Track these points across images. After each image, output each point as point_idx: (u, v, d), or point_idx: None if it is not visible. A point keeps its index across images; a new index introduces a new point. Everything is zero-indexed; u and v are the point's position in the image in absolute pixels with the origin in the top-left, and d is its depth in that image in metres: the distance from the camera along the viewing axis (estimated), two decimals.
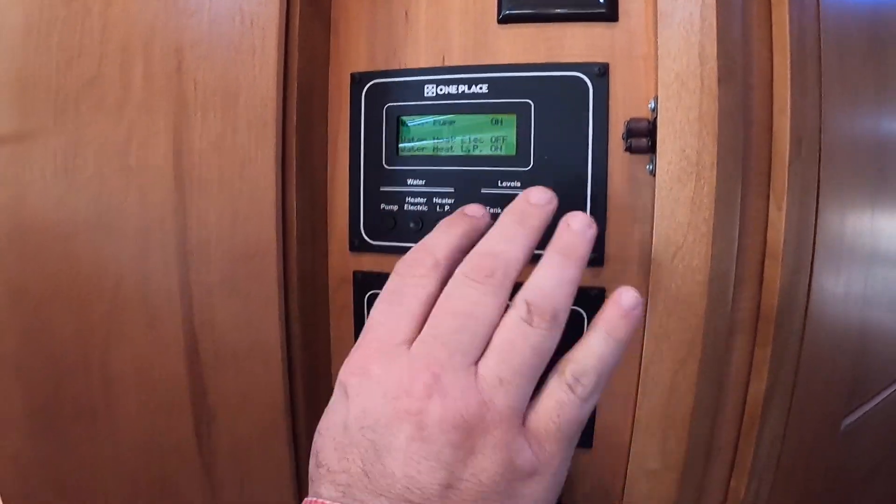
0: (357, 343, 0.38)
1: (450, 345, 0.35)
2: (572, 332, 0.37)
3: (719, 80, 0.41)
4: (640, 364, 0.45)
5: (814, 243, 0.49)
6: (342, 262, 0.52)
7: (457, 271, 0.37)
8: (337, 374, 0.37)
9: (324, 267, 0.52)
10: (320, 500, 0.34)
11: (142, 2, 0.47)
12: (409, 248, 0.40)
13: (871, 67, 0.61)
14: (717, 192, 0.42)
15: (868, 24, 0.60)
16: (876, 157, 0.62)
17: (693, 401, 0.44)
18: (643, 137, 0.43)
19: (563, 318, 0.36)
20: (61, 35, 0.49)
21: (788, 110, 0.45)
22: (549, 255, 0.37)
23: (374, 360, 0.36)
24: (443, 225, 0.40)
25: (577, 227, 0.38)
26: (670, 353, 0.44)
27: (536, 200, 0.39)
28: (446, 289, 0.37)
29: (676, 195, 0.42)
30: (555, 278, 0.36)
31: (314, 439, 0.37)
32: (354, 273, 0.52)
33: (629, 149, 0.43)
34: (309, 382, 0.51)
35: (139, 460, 0.53)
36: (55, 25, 0.49)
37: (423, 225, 0.50)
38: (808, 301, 0.50)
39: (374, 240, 0.51)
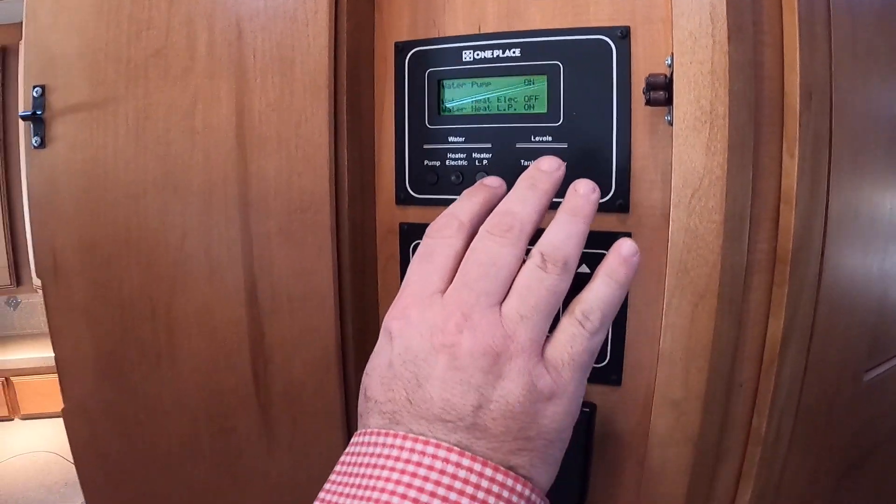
0: (397, 295, 0.44)
1: (476, 289, 0.41)
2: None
3: (729, 37, 0.46)
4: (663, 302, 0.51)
5: (828, 191, 0.55)
6: (389, 215, 0.58)
7: (480, 229, 0.43)
8: (383, 317, 0.44)
9: (372, 219, 0.59)
10: (370, 430, 0.40)
11: None
12: (452, 200, 0.47)
13: (884, 39, 0.66)
14: (730, 139, 0.47)
15: None
16: (890, 121, 0.67)
17: (713, 333, 0.50)
18: (661, 90, 0.49)
19: (573, 265, 0.42)
20: (131, 10, 0.56)
21: (798, 66, 0.51)
22: (560, 215, 0.44)
23: (412, 306, 0.42)
24: (465, 194, 0.47)
25: (583, 190, 0.44)
26: (690, 287, 0.49)
27: (546, 168, 0.45)
28: (472, 244, 0.43)
29: (693, 142, 0.48)
30: (564, 232, 0.43)
31: (362, 380, 0.43)
32: (400, 224, 0.58)
33: (649, 101, 0.49)
34: (359, 326, 0.58)
35: (199, 401, 0.59)
36: (125, 1, 0.56)
37: (462, 179, 0.56)
38: (823, 246, 0.55)
39: (418, 193, 0.57)
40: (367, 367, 0.43)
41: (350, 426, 0.58)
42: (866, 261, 0.65)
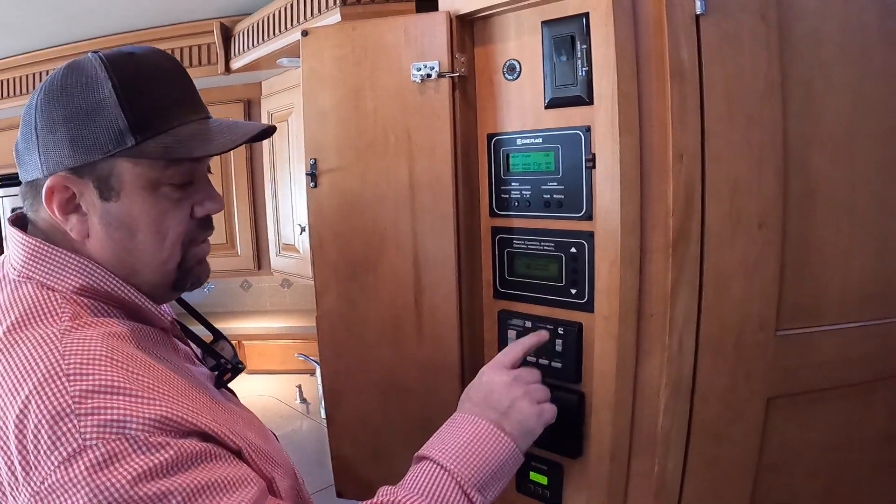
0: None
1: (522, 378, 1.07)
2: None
3: (620, 132, 1.03)
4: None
5: (702, 209, 1.06)
6: (486, 222, 1.24)
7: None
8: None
9: (478, 224, 1.24)
10: (466, 414, 1.04)
11: (391, 106, 1.24)
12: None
13: (765, 107, 1.13)
14: (623, 183, 1.04)
15: None
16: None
17: (619, 281, 1.05)
18: (591, 161, 1.07)
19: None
20: (356, 123, 1.28)
21: (671, 140, 1.05)
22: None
23: (495, 367, 1.08)
24: (530, 335, 1.13)
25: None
26: (607, 257, 1.06)
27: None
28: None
29: (604, 186, 1.05)
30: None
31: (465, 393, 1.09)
32: (492, 227, 1.23)
33: (588, 167, 1.08)
34: (469, 278, 1.23)
35: (388, 311, 1.30)
36: (352, 118, 1.29)
37: (518, 204, 1.19)
38: (702, 236, 1.06)
39: (500, 211, 1.22)
40: (467, 388, 1.08)
41: (462, 339, 1.24)
42: (762, 253, 1.12)
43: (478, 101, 1.23)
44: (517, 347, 1.09)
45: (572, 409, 1.17)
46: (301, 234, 2.08)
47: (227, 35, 2.03)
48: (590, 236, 1.10)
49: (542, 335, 1.13)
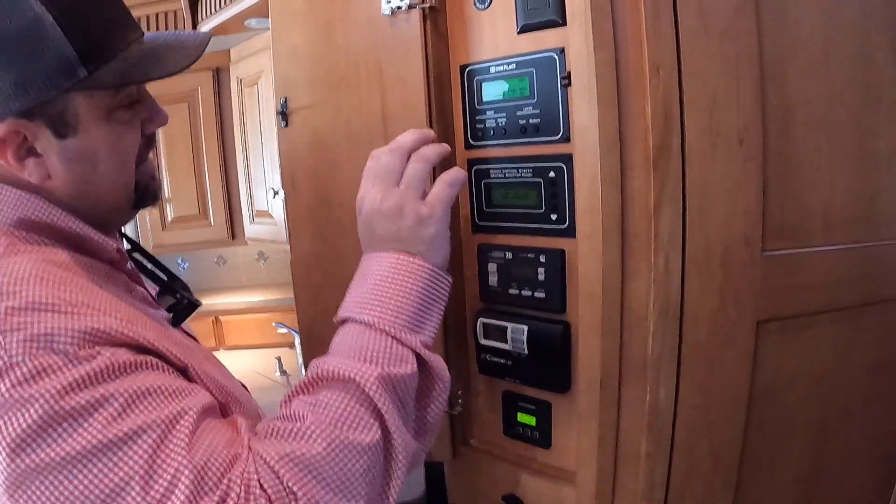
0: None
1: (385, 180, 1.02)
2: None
3: (595, 49, 1.02)
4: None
5: (682, 119, 1.05)
6: (462, 155, 1.22)
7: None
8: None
9: (454, 156, 1.22)
10: (367, 254, 1.03)
11: (362, 40, 1.23)
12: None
13: (740, 21, 1.13)
14: (599, 99, 1.02)
15: None
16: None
17: (601, 199, 1.04)
18: (566, 80, 1.06)
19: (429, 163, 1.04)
20: (327, 58, 1.27)
21: (646, 50, 1.04)
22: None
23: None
24: (410, 131, 1.07)
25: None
26: (587, 175, 1.05)
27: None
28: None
29: (580, 104, 1.04)
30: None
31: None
32: (468, 159, 1.21)
33: (563, 85, 1.07)
34: None
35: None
36: (323, 53, 1.27)
37: (493, 132, 1.17)
38: (683, 152, 1.06)
39: (474, 141, 1.20)
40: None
41: None
42: (743, 170, 1.12)
43: (449, 32, 1.21)
44: (395, 146, 1.05)
45: (558, 340, 1.15)
46: (274, 198, 2.06)
47: (193, 1, 2.00)
48: (568, 159, 1.09)
49: (444, 146, 1.07)
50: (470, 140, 1.20)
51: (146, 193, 1.00)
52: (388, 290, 0.94)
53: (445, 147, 1.05)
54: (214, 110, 2.61)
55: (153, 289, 1.12)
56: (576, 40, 1.04)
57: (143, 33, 0.95)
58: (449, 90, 1.22)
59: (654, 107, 1.04)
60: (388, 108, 1.21)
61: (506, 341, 1.20)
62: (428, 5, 1.17)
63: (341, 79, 1.25)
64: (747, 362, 1.20)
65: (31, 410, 0.70)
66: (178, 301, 1.05)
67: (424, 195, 1.01)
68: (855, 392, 1.36)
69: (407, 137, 1.04)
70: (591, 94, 1.03)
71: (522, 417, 1.24)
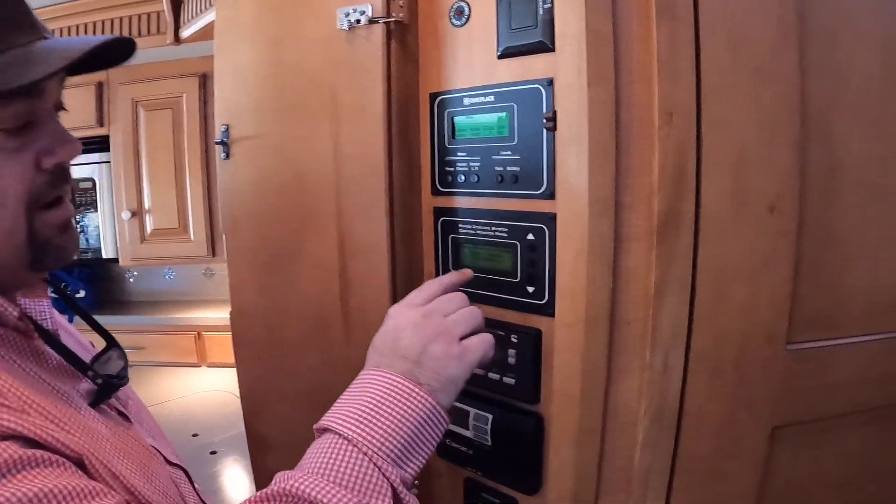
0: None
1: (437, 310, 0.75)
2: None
3: (589, 84, 0.70)
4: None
5: (698, 183, 0.73)
6: (428, 202, 0.90)
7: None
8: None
9: (419, 204, 0.90)
10: (371, 368, 0.73)
11: (315, 59, 0.91)
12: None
13: (779, 60, 0.78)
14: (591, 149, 0.70)
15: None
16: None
17: (586, 278, 0.72)
18: (550, 121, 0.73)
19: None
20: (276, 80, 0.95)
21: (657, 94, 0.71)
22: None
23: (405, 306, 0.76)
24: (449, 274, 0.81)
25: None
26: (572, 246, 0.73)
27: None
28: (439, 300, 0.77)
29: (568, 152, 0.72)
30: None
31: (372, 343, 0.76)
32: (434, 208, 0.89)
33: (547, 129, 0.74)
34: (405, 269, 0.90)
35: (310, 309, 0.96)
36: (271, 74, 0.96)
37: (465, 179, 0.85)
38: (697, 224, 0.73)
39: (443, 188, 0.88)
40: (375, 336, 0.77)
41: None
42: (774, 246, 0.79)
43: (420, 53, 0.89)
44: (434, 284, 0.79)
45: (528, 435, 0.84)
46: None
47: (177, 1, 1.70)
48: (551, 220, 0.77)
49: (466, 272, 0.83)
50: (438, 185, 0.89)
51: (47, 248, 0.67)
52: (384, 411, 0.70)
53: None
54: (199, 118, 2.34)
55: (89, 352, 0.83)
56: (566, 69, 0.72)
57: (43, 36, 0.65)
58: (416, 123, 0.90)
59: (664, 162, 0.72)
60: (342, 144, 0.90)
61: (467, 427, 0.89)
62: (393, 20, 0.85)
63: (290, 106, 0.95)
64: (756, 473, 0.88)
65: None
66: (91, 380, 0.75)
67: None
68: (881, 500, 1.01)
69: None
70: (582, 142, 0.71)
71: None
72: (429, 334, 0.72)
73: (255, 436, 1.15)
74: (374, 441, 0.67)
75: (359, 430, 0.67)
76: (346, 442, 0.67)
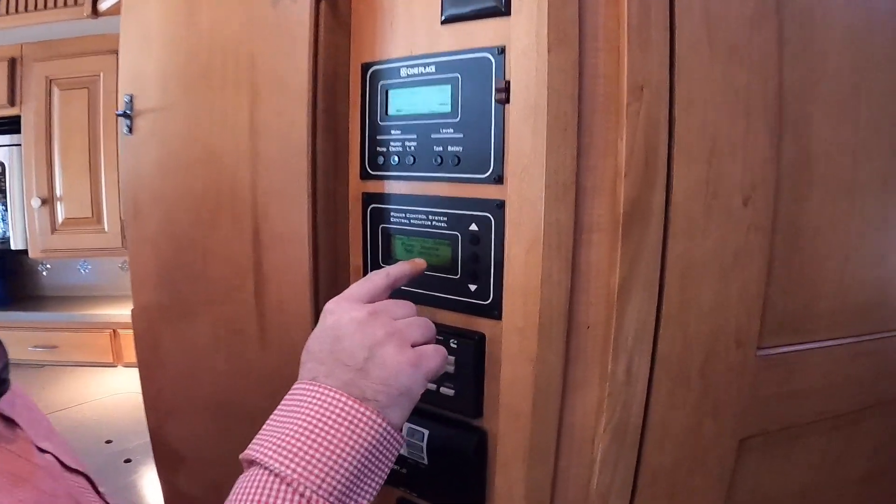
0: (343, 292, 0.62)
1: (387, 312, 0.60)
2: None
3: (549, 49, 0.56)
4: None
5: (669, 168, 0.61)
6: (356, 187, 0.75)
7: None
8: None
9: (345, 189, 0.75)
10: (306, 380, 0.57)
11: (231, 22, 0.75)
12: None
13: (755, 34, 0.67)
14: (549, 126, 0.57)
15: None
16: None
17: (541, 275, 0.59)
18: (502, 92, 0.60)
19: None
20: (187, 44, 0.79)
21: (626, 65, 0.58)
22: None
23: (345, 300, 0.60)
24: (400, 263, 0.65)
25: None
26: (523, 238, 0.59)
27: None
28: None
29: (522, 129, 0.58)
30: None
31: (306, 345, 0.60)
32: (363, 193, 0.74)
33: (498, 101, 0.60)
34: (330, 263, 0.74)
35: (220, 309, 0.80)
36: (183, 40, 0.79)
37: (399, 161, 0.71)
38: (667, 216, 0.61)
39: (373, 171, 0.73)
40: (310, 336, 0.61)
41: None
42: (746, 241, 0.67)
43: (353, 18, 0.74)
44: (379, 276, 0.63)
45: (470, 453, 0.70)
46: None
47: None
48: (498, 207, 0.63)
49: (418, 263, 0.67)
50: (367, 168, 0.74)
51: None
52: (323, 439, 0.54)
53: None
54: (117, 100, 2.11)
55: None
56: (522, 36, 0.58)
57: None
58: (345, 98, 0.75)
59: (632, 143, 0.59)
60: (259, 119, 0.74)
61: None
62: None
63: (202, 74, 0.78)
64: (720, 486, 0.77)
65: None
66: None
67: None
68: None
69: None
70: (539, 116, 0.57)
71: None
72: (377, 335, 0.57)
73: (163, 450, 0.98)
74: (312, 478, 0.52)
75: (292, 465, 0.52)
76: (277, 480, 0.52)
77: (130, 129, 0.84)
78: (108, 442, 2.13)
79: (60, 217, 2.75)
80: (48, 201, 2.69)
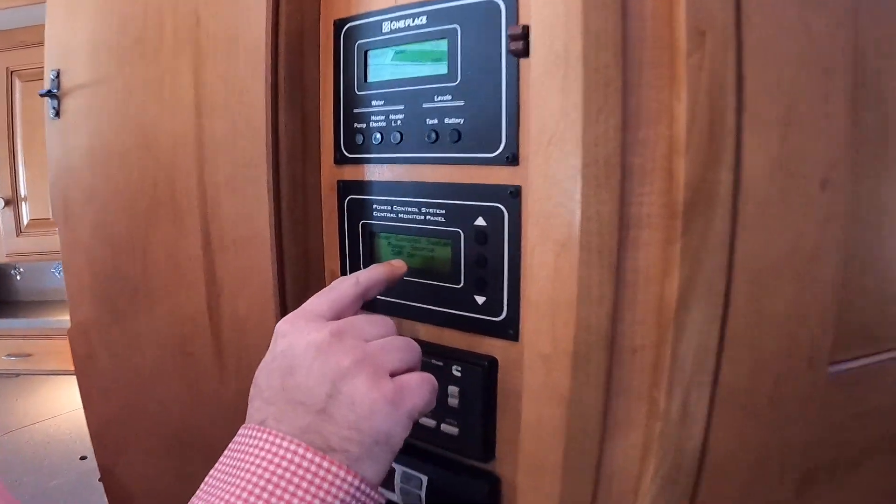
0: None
1: (354, 326, 0.45)
2: None
3: None
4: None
5: (738, 140, 0.45)
6: (330, 174, 0.59)
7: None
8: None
9: (316, 177, 0.59)
10: (252, 425, 0.43)
11: None
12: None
13: None
14: (586, 81, 0.41)
15: None
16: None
17: (576, 285, 0.43)
18: (519, 41, 0.44)
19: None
20: (120, 7, 0.62)
21: (683, 3, 0.43)
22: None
23: (302, 318, 0.46)
24: (373, 267, 0.51)
25: None
26: (552, 236, 0.44)
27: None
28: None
29: (547, 86, 0.43)
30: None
31: (254, 377, 0.46)
32: (338, 182, 0.58)
33: (512, 53, 0.45)
34: (300, 270, 0.58)
35: (167, 327, 0.64)
36: (115, 4, 0.63)
37: (382, 139, 0.55)
38: (735, 204, 0.46)
39: (350, 154, 0.57)
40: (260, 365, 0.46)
41: None
42: (824, 234, 0.52)
43: None
44: (347, 283, 0.49)
45: None
46: None
47: None
48: (513, 196, 0.48)
49: (396, 265, 0.52)
50: (343, 150, 0.58)
51: None
52: None
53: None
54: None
55: None
56: None
57: None
58: (314, 63, 0.58)
59: (693, 106, 0.44)
60: (206, 92, 0.57)
61: (393, 490, 0.59)
62: None
63: (137, 39, 0.61)
64: None
65: None
66: None
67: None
68: None
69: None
70: (572, 70, 0.41)
71: None
72: (342, 364, 0.42)
73: (115, 490, 0.81)
74: None
75: None
76: None
77: (57, 112, 0.67)
78: (83, 458, 1.96)
79: (26, 218, 2.61)
80: (12, 202, 2.56)
